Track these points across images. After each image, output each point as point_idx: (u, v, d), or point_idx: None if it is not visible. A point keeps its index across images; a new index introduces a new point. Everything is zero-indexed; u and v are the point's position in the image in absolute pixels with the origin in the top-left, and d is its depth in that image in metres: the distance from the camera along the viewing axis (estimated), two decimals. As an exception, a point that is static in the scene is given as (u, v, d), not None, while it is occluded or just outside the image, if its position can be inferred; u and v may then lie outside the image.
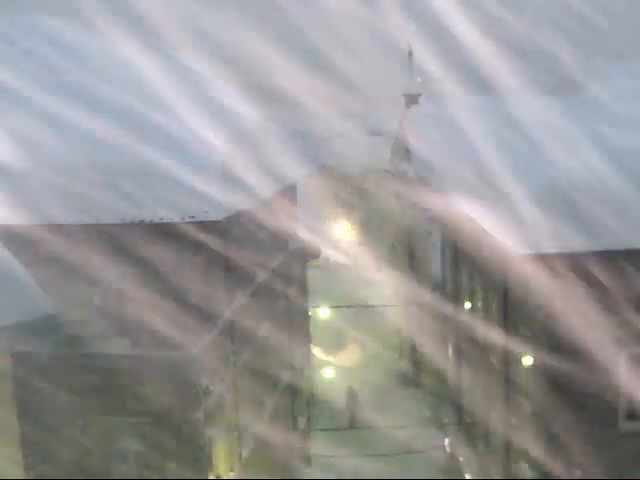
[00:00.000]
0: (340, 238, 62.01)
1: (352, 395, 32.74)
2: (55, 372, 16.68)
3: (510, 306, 16.99)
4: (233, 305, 19.24)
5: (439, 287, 27.48)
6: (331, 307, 36.65)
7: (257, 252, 21.81)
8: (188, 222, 15.86)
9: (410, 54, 36.22)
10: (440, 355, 27.84)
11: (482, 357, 20.25)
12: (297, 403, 27.19)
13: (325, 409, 32.01)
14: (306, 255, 30.51)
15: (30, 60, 19.28)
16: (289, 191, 25.91)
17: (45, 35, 20.74)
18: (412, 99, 35.48)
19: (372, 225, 57.31)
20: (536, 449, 15.48)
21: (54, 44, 20.29)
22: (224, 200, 16.11)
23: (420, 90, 36.49)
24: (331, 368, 36.40)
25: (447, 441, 25.66)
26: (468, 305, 22.26)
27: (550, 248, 13.75)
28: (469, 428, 23.03)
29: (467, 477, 22.42)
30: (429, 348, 31.19)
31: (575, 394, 14.48)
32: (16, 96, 17.72)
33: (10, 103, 17.60)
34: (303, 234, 29.06)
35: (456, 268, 23.62)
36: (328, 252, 53.54)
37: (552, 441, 14.81)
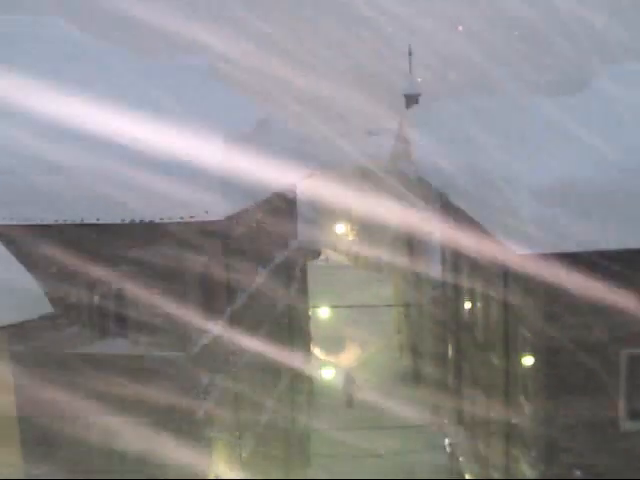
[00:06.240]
0: (340, 238, 62.02)
1: (349, 379, 33.34)
2: (55, 372, 16.68)
3: (510, 306, 16.99)
4: (233, 305, 19.25)
5: (439, 287, 27.49)
6: (331, 307, 36.68)
7: (257, 252, 21.82)
8: (188, 222, 15.85)
9: (410, 54, 36.17)
10: (440, 355, 27.85)
11: (482, 357, 20.26)
12: (297, 403, 27.19)
13: (325, 409, 32.03)
14: (306, 255, 30.52)
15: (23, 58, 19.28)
16: (289, 191, 25.91)
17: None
18: (412, 99, 35.45)
19: (372, 225, 57.37)
20: (536, 449, 15.48)
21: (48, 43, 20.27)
22: (224, 200, 16.10)
23: (420, 90, 36.49)
24: (331, 368, 36.44)
25: (447, 441, 25.66)
26: (468, 305, 22.26)
27: (550, 248, 13.74)
28: (469, 428, 23.03)
29: (467, 477, 22.43)
30: (429, 348, 31.22)
31: (575, 394, 14.48)
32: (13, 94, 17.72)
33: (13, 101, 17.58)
34: (303, 234, 29.06)
35: (456, 268, 23.61)
36: (328, 252, 53.55)
37: (552, 441, 14.81)
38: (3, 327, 10.81)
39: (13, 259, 11.47)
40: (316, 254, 32.33)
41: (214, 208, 15.86)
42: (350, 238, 62.40)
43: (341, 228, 62.26)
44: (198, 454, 16.87)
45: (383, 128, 54.19)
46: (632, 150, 14.53)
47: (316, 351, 36.97)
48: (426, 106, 33.17)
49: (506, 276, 16.95)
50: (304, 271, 30.68)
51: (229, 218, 16.65)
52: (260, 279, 22.02)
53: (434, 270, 27.72)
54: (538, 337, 15.01)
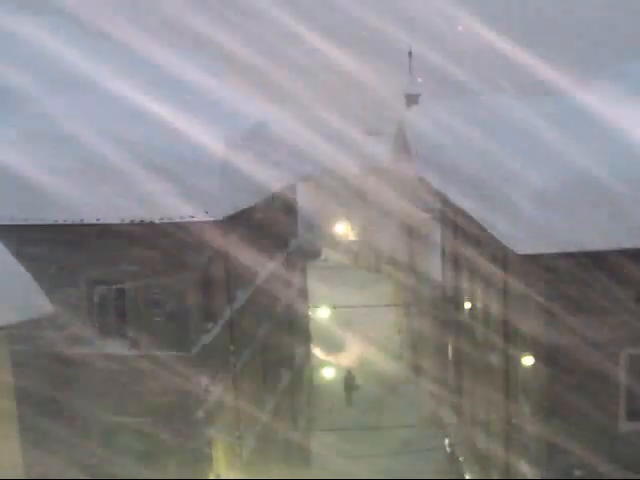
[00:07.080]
0: (340, 238, 61.98)
1: (349, 379, 33.48)
2: (55, 372, 16.69)
3: (510, 306, 16.99)
4: (233, 305, 19.25)
5: (439, 287, 27.48)
6: (331, 307, 36.63)
7: (257, 252, 21.81)
8: (188, 222, 15.85)
9: (410, 54, 36.20)
10: (440, 355, 27.85)
11: (482, 357, 20.25)
12: (297, 403, 27.19)
13: (325, 408, 32.04)
14: (306, 255, 30.52)
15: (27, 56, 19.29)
16: (289, 191, 25.90)
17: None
18: (412, 99, 35.47)
19: (372, 225, 57.31)
20: (536, 449, 15.48)
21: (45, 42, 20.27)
22: (224, 200, 16.10)
23: (420, 90, 36.52)
24: (331, 368, 36.43)
25: (447, 441, 25.66)
26: (468, 305, 22.26)
27: (550, 248, 13.74)
28: (469, 428, 23.03)
29: (467, 477, 22.42)
30: (429, 348, 31.22)
31: (575, 394, 14.48)
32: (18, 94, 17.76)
33: (13, 101, 17.62)
34: (303, 234, 29.04)
35: (456, 268, 23.62)
36: (328, 252, 53.52)
37: (552, 441, 14.81)
38: (3, 327, 10.81)
39: (13, 259, 11.48)
40: (316, 254, 32.29)
41: (214, 208, 15.86)
42: (350, 238, 62.35)
43: (341, 228, 62.21)
44: (198, 454, 16.87)
45: (383, 128, 54.13)
46: (632, 150, 14.53)
47: (316, 351, 36.93)
48: (426, 106, 33.15)
49: (506, 276, 16.95)
50: (304, 271, 30.67)
51: (229, 218, 16.64)
52: (260, 279, 22.01)
53: (434, 270, 27.71)
54: (538, 337, 15.01)
